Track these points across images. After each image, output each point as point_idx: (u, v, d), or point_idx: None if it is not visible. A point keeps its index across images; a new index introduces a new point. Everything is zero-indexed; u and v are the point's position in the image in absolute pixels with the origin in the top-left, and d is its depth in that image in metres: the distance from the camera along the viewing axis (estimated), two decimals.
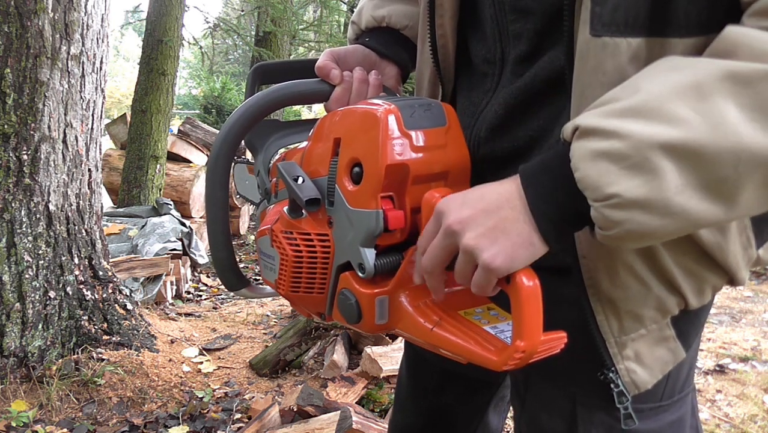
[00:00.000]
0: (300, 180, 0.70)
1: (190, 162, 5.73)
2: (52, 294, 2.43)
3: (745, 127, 0.50)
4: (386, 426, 1.96)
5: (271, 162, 0.84)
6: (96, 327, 2.56)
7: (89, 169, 2.67)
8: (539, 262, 0.75)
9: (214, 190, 0.79)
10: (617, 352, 0.71)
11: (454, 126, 0.68)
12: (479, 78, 0.82)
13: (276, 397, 2.40)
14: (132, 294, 2.95)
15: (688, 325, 0.76)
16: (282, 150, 0.85)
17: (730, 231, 0.68)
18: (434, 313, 0.65)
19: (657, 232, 0.55)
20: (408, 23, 0.92)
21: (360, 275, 0.67)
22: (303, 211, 0.71)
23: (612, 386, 0.72)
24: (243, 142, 0.84)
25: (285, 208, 0.74)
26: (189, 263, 4.11)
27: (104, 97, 2.79)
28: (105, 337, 2.56)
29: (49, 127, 2.41)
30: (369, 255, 0.65)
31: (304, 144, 0.79)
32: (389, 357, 2.46)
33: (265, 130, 0.87)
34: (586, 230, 0.61)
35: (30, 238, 2.38)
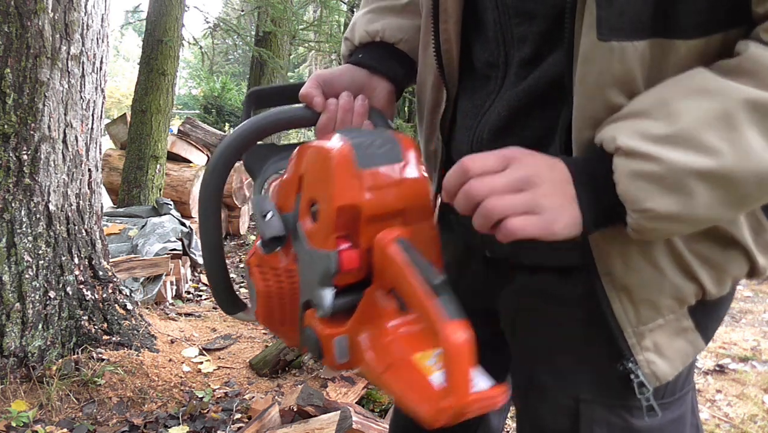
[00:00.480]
0: (269, 215, 0.69)
1: (190, 162, 5.73)
2: (52, 294, 2.43)
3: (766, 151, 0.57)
4: (386, 426, 1.96)
5: (266, 185, 0.84)
6: (96, 327, 2.56)
7: (89, 169, 2.67)
8: (544, 262, 0.76)
9: (207, 219, 0.79)
10: (636, 342, 0.72)
11: (412, 161, 0.65)
12: (482, 81, 0.82)
13: (276, 397, 2.40)
14: (132, 294, 2.95)
15: (706, 316, 0.76)
16: (274, 175, 0.84)
17: (744, 217, 0.70)
18: (387, 356, 0.63)
19: (683, 233, 0.67)
20: (402, 36, 0.90)
21: (318, 314, 0.67)
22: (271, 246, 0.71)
23: (632, 377, 0.72)
24: (244, 166, 0.85)
25: (258, 243, 0.73)
26: (189, 263, 4.11)
27: (104, 97, 2.79)
28: (105, 337, 2.56)
29: (49, 127, 2.41)
30: (326, 295, 0.65)
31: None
32: None
33: (262, 154, 0.87)
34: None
35: (30, 238, 2.38)
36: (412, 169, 0.65)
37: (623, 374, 0.73)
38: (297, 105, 0.84)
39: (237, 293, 0.86)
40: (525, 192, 0.62)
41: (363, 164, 0.62)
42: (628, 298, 0.71)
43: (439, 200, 0.94)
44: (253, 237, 5.73)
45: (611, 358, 0.73)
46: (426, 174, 0.66)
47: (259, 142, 0.85)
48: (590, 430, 0.77)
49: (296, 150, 0.72)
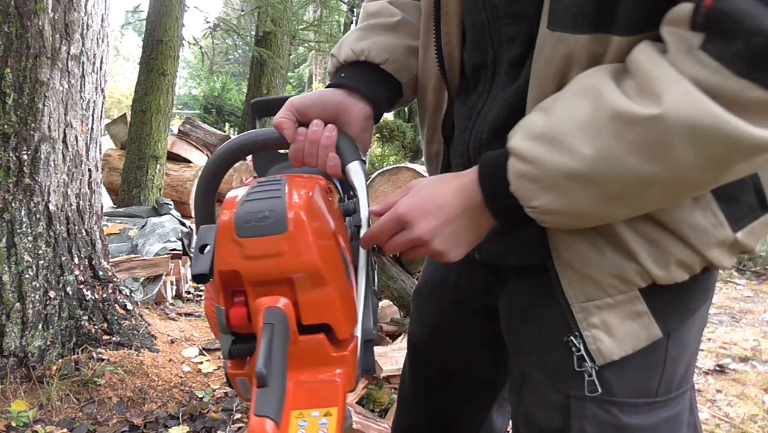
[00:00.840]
0: (206, 249, 0.70)
1: (190, 162, 5.73)
2: (52, 294, 2.43)
3: (628, 158, 0.61)
4: (386, 426, 1.96)
5: None
6: (96, 327, 2.56)
7: (89, 169, 2.67)
8: (529, 261, 0.80)
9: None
10: (582, 318, 0.75)
11: (299, 231, 0.65)
12: (473, 82, 0.84)
13: None
14: (132, 294, 2.95)
15: (666, 304, 0.77)
16: None
17: (685, 205, 0.71)
18: None
19: (583, 225, 0.71)
20: (388, 57, 0.89)
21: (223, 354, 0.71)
22: None
23: (573, 349, 0.76)
24: (253, 167, 0.92)
25: None
26: (189, 263, 4.11)
27: (104, 97, 2.79)
28: (105, 337, 2.56)
29: (49, 127, 2.41)
30: (225, 341, 0.69)
31: None
32: (389, 357, 2.46)
33: (268, 159, 0.92)
34: None
35: (30, 238, 2.38)
36: (300, 239, 0.64)
37: (569, 346, 0.77)
38: (273, 128, 0.86)
39: None
40: (421, 248, 0.74)
41: (244, 234, 0.64)
42: (573, 273, 0.75)
43: None
44: None
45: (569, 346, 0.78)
46: (314, 242, 0.66)
47: None
48: (580, 426, 0.77)
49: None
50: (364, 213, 0.79)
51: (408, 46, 0.91)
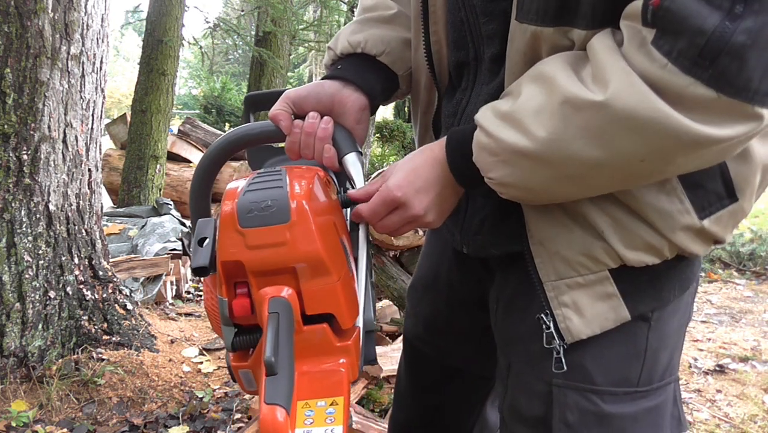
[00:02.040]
0: (206, 242, 0.70)
1: (190, 162, 5.73)
2: (52, 294, 2.43)
3: (576, 142, 0.63)
4: (386, 426, 1.96)
5: None
6: (96, 327, 2.56)
7: (89, 169, 2.67)
8: (510, 248, 0.84)
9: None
10: (554, 296, 0.77)
11: (301, 221, 0.65)
12: (456, 80, 0.86)
13: None
14: (132, 294, 2.95)
15: (637, 288, 0.77)
16: None
17: (651, 189, 0.72)
18: None
19: (538, 200, 0.75)
20: (384, 48, 0.90)
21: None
22: None
23: (544, 327, 0.78)
24: (248, 163, 0.92)
25: None
26: (189, 262, 4.11)
27: (104, 97, 2.79)
28: (105, 337, 2.56)
29: (49, 127, 2.41)
30: (227, 333, 0.69)
31: None
32: (389, 357, 2.46)
33: (262, 154, 0.92)
34: None
35: (30, 238, 2.38)
36: (303, 229, 0.65)
37: (540, 324, 0.79)
38: (267, 121, 0.86)
39: None
40: (414, 223, 0.79)
41: (247, 224, 0.64)
42: (544, 251, 0.77)
43: None
44: None
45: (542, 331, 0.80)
46: (318, 232, 0.66)
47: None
48: (562, 414, 0.78)
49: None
50: None
51: (404, 39, 0.91)
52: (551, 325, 0.77)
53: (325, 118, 0.84)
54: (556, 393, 0.79)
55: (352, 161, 0.82)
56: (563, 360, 0.77)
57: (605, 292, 0.76)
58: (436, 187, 0.77)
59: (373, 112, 0.91)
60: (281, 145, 0.89)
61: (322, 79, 0.90)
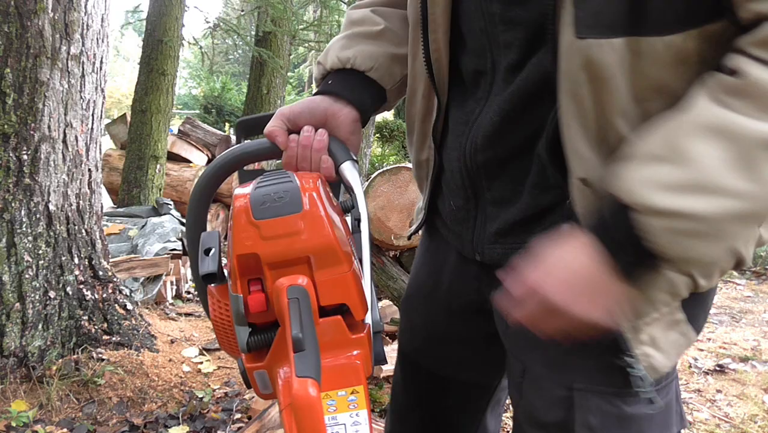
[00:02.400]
0: (211, 252, 0.72)
1: (190, 162, 5.73)
2: (52, 294, 2.43)
3: None
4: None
5: None
6: (96, 327, 2.56)
7: (89, 169, 2.67)
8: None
9: (193, 246, 0.83)
10: (633, 337, 0.74)
11: (313, 211, 0.67)
12: (471, 88, 0.85)
13: None
14: (132, 294, 2.95)
15: (697, 308, 0.77)
16: None
17: None
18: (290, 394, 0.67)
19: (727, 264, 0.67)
20: (373, 65, 0.91)
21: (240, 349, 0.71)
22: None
23: (630, 370, 0.75)
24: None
25: None
26: (189, 262, 4.11)
27: (104, 97, 2.79)
28: (105, 337, 2.56)
29: (49, 127, 2.41)
30: (242, 333, 0.69)
31: None
32: (389, 357, 2.46)
33: (246, 179, 0.92)
34: (593, 216, 0.70)
35: (30, 238, 2.38)
36: (315, 218, 0.66)
37: (622, 367, 0.75)
38: (264, 139, 0.88)
39: None
40: (555, 318, 0.70)
41: (259, 216, 0.66)
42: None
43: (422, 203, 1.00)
44: None
45: (605, 349, 0.76)
46: (329, 221, 0.68)
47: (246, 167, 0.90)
48: (584, 418, 0.78)
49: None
50: (362, 207, 0.80)
51: (391, 54, 0.93)
52: (638, 366, 0.75)
53: (320, 130, 0.86)
54: (577, 397, 0.78)
55: (348, 168, 0.84)
56: (655, 398, 0.78)
57: (674, 319, 0.75)
58: (600, 287, 0.69)
59: (364, 124, 0.93)
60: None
61: (314, 94, 0.92)
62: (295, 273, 0.66)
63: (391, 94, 0.96)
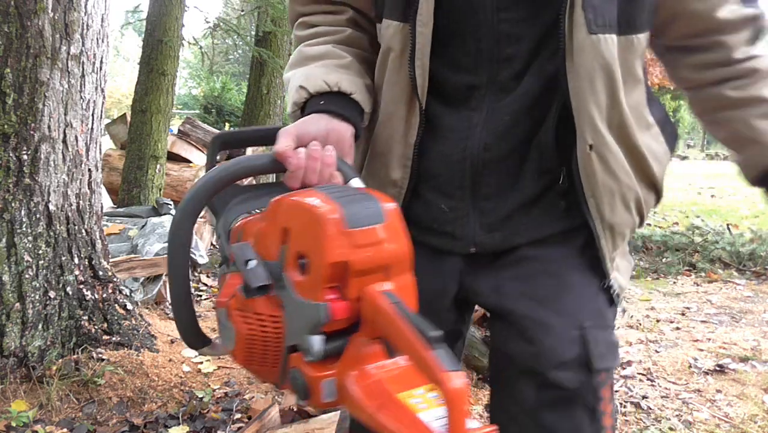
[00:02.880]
0: (252, 263, 0.74)
1: (190, 162, 5.73)
2: (52, 294, 2.44)
3: None
4: None
5: (231, 227, 0.87)
6: (96, 327, 2.56)
7: (89, 169, 2.67)
8: (549, 232, 0.99)
9: (175, 260, 0.83)
10: (610, 266, 0.98)
11: (392, 221, 0.71)
12: (463, 100, 0.96)
13: (276, 397, 2.40)
14: (132, 294, 2.95)
15: (629, 238, 1.04)
16: (242, 216, 0.87)
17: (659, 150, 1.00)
18: (377, 396, 0.67)
19: None
20: (354, 90, 0.96)
21: (307, 359, 0.71)
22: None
23: (612, 291, 0.99)
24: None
25: (239, 287, 0.76)
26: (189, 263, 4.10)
27: (104, 97, 2.79)
28: (105, 337, 2.56)
29: (49, 127, 2.41)
30: (316, 342, 0.70)
31: (259, 217, 0.83)
32: None
33: (225, 194, 0.90)
34: (594, 172, 0.91)
35: (30, 238, 2.38)
36: (394, 228, 0.71)
37: (606, 289, 0.98)
38: (266, 154, 0.87)
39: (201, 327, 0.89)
40: None
41: (352, 225, 0.69)
42: (611, 233, 0.96)
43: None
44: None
45: (599, 287, 0.98)
46: (404, 230, 0.73)
47: None
48: (596, 348, 0.94)
49: (275, 202, 0.76)
50: None
51: (363, 83, 0.99)
52: (615, 286, 1.00)
53: (328, 146, 0.87)
54: (588, 334, 0.94)
55: (358, 185, 0.86)
56: (624, 308, 1.02)
57: (625, 250, 1.03)
58: None
59: (355, 140, 0.97)
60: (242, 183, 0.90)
61: (308, 114, 0.94)
62: (374, 280, 0.69)
63: (366, 117, 1.00)
